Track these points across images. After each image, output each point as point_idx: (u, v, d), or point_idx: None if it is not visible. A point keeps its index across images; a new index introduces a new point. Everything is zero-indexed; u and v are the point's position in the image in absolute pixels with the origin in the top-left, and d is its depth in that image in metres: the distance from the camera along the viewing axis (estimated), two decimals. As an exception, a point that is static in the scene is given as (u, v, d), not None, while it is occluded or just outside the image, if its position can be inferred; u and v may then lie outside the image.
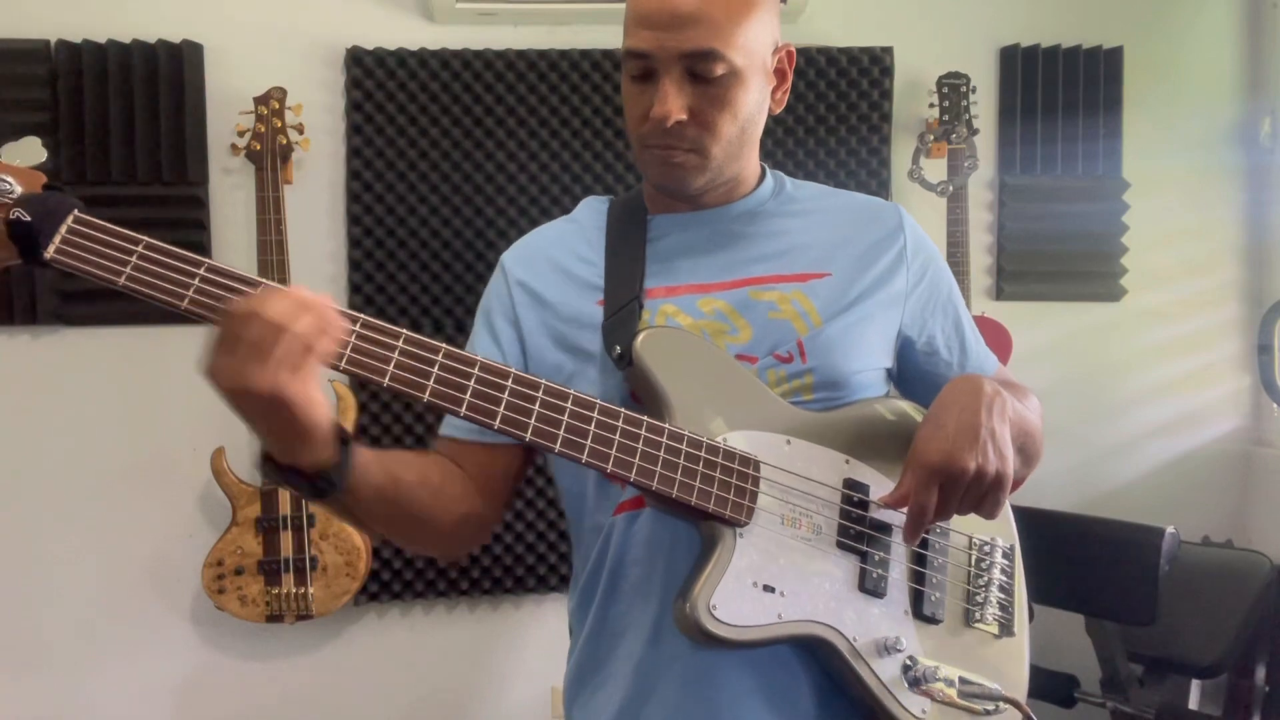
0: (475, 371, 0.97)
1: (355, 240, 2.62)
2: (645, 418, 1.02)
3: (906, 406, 1.17)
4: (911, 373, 1.24)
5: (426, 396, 0.95)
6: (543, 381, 0.99)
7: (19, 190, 0.90)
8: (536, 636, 2.74)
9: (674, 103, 1.08)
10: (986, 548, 1.17)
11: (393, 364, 0.94)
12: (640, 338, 1.06)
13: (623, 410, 1.01)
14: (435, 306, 2.64)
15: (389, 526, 1.13)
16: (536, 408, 0.98)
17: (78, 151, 2.52)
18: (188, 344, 2.54)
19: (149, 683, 2.61)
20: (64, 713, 2.58)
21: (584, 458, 0.99)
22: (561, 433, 0.98)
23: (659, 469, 1.01)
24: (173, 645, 2.61)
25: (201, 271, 0.90)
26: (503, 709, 2.74)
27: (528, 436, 0.98)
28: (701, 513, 1.02)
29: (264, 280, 0.92)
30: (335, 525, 2.44)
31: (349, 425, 2.49)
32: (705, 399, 1.06)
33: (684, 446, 1.02)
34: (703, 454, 1.03)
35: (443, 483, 1.14)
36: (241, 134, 2.49)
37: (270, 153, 2.44)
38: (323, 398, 0.91)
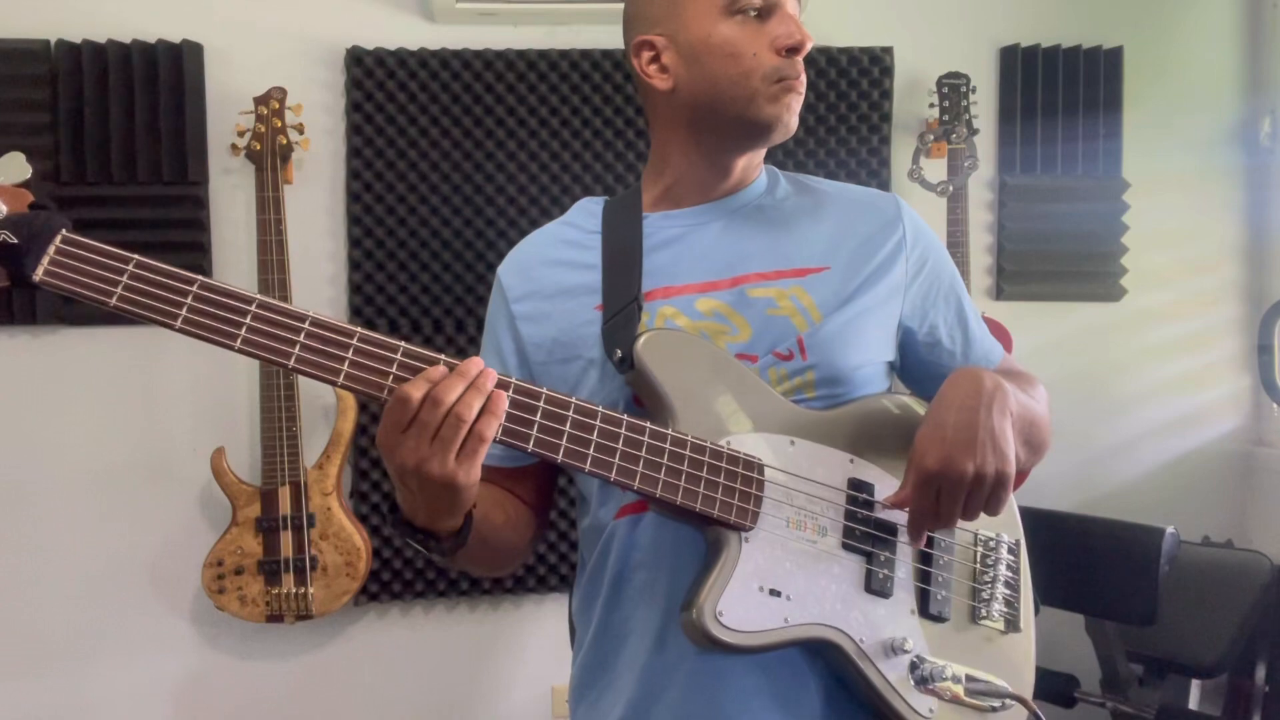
0: None
1: (355, 240, 2.61)
2: (648, 424, 1.01)
3: (909, 401, 1.16)
4: (914, 364, 1.22)
5: None
6: (544, 390, 0.98)
7: (4, 210, 0.87)
8: (536, 636, 2.73)
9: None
10: (992, 543, 1.16)
11: (390, 378, 0.93)
12: (641, 341, 1.05)
13: (625, 417, 1.00)
14: (435, 306, 2.63)
15: (488, 566, 1.19)
16: (538, 418, 0.97)
17: (78, 151, 2.52)
18: (188, 344, 2.56)
19: (149, 683, 2.60)
20: (64, 713, 2.58)
21: (587, 466, 0.98)
22: (564, 443, 0.97)
23: (662, 476, 1.00)
24: (173, 645, 2.60)
25: (194, 289, 0.89)
26: (503, 709, 2.74)
27: (529, 448, 0.96)
28: (706, 518, 1.02)
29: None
30: (335, 525, 2.44)
31: (349, 425, 2.49)
32: (708, 401, 1.06)
33: (687, 452, 1.01)
34: (706, 459, 1.02)
35: (515, 514, 1.18)
36: (241, 134, 2.49)
37: (270, 153, 2.44)
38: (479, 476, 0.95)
